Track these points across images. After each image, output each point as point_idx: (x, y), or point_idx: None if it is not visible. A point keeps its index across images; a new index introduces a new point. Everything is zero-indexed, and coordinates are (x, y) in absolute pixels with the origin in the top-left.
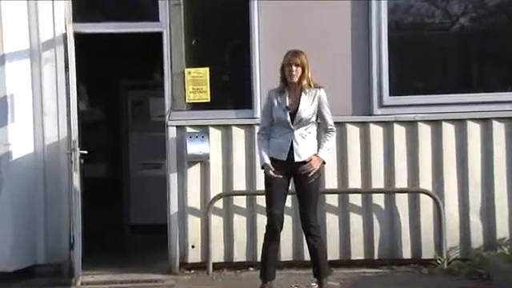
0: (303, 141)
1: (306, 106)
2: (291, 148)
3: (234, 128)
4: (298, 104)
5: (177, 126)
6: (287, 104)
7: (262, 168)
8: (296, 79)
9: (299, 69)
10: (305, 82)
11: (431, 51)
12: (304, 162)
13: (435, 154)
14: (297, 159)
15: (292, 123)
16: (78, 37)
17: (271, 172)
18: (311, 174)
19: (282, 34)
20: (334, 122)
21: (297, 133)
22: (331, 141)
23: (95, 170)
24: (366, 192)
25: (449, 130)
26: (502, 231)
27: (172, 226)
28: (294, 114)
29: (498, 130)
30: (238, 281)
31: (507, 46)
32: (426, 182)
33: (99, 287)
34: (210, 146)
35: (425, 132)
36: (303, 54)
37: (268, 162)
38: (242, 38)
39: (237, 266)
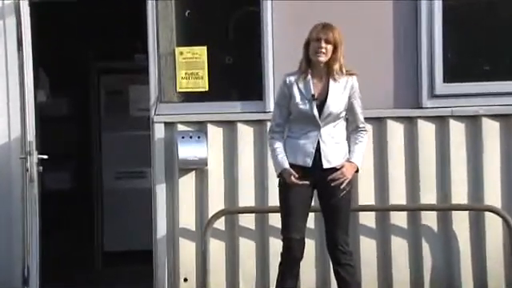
0: (332, 141)
1: (337, 97)
2: (317, 151)
3: (239, 125)
4: (327, 93)
5: (165, 123)
6: (313, 92)
7: (279, 176)
8: (324, 59)
9: (330, 47)
10: (336, 66)
11: (499, 24)
12: (333, 169)
13: (505, 159)
14: (325, 165)
15: (319, 118)
16: (35, 5)
17: (293, 178)
18: (343, 184)
19: (302, 1)
20: (372, 118)
21: (324, 131)
22: (365, 143)
23: (58, 181)
24: (413, 209)
25: None
26: None
27: (159, 254)
28: (321, 107)
29: None
30: None
31: None
32: (492, 195)
33: None
34: (209, 149)
35: (491, 130)
36: (336, 30)
37: (287, 166)
38: (251, 6)
39: None
